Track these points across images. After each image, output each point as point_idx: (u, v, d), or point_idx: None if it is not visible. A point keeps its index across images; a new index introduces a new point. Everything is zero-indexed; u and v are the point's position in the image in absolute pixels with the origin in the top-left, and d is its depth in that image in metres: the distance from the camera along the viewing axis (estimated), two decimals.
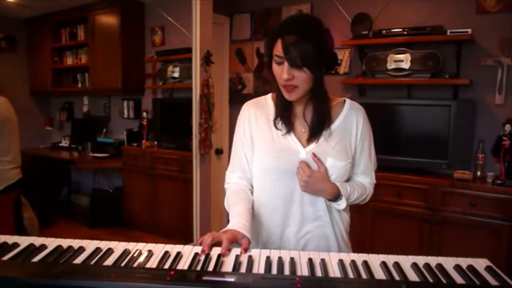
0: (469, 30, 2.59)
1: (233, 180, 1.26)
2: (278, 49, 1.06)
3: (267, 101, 1.25)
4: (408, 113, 2.84)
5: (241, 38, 3.86)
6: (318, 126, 1.15)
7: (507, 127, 2.47)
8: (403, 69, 2.79)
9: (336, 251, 1.18)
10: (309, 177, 1.11)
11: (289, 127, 1.17)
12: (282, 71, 1.06)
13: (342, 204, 1.15)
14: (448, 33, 2.66)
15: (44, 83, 5.06)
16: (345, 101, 1.22)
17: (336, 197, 1.15)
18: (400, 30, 2.83)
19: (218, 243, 0.99)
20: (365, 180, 1.25)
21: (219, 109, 3.54)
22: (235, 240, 1.01)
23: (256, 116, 1.23)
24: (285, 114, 1.18)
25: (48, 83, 5.03)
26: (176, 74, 3.89)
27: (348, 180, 1.21)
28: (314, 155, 1.14)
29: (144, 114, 4.23)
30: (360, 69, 3.12)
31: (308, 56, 1.02)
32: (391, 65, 2.83)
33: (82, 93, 5.08)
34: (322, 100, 1.16)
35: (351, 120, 1.19)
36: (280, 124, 1.18)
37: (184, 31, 3.79)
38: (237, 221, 1.08)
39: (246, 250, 0.98)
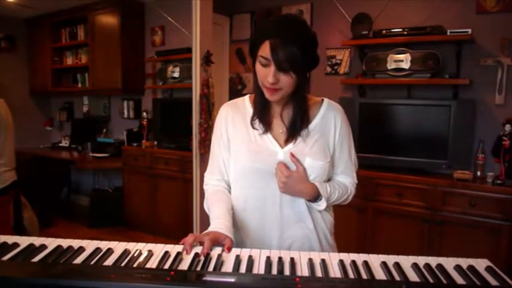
0: (469, 30, 2.60)
1: (212, 182, 1.26)
2: (265, 51, 1.03)
3: (245, 102, 1.24)
4: (408, 113, 2.84)
5: (241, 38, 3.86)
6: (296, 126, 1.14)
7: (507, 127, 2.47)
8: (403, 69, 2.79)
9: None
10: (287, 177, 1.10)
11: (267, 127, 1.16)
12: (267, 74, 1.04)
13: (322, 204, 1.14)
14: (448, 33, 2.66)
15: (44, 83, 5.06)
16: (322, 100, 1.21)
17: (315, 197, 1.13)
18: (400, 30, 2.83)
19: (200, 244, 0.99)
20: (346, 180, 1.23)
21: (219, 109, 3.54)
22: (217, 241, 1.00)
23: (233, 118, 1.21)
24: (263, 114, 1.16)
25: (48, 83, 5.03)
26: (176, 74, 3.89)
27: (328, 181, 1.20)
28: (292, 154, 1.12)
29: (144, 114, 4.23)
30: (360, 69, 3.12)
31: (295, 60, 1.01)
32: (391, 65, 2.83)
33: (82, 93, 5.08)
34: (301, 100, 1.14)
35: (328, 120, 1.18)
36: (257, 124, 1.17)
37: (184, 31, 3.80)
38: (218, 222, 1.07)
39: (229, 250, 0.97)
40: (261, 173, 1.15)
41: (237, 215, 1.19)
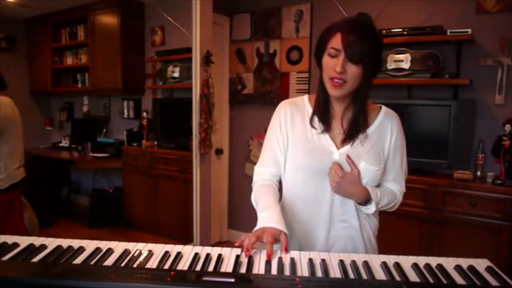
0: (469, 30, 2.59)
1: (262, 176, 1.27)
2: (336, 42, 1.07)
3: (304, 102, 1.26)
4: (408, 113, 2.84)
5: (241, 38, 3.85)
6: (355, 129, 1.16)
7: (507, 127, 2.47)
8: (403, 69, 2.79)
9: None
10: (341, 178, 1.12)
11: (326, 126, 1.18)
12: (335, 64, 1.07)
13: (371, 208, 1.16)
14: (448, 33, 2.66)
15: (44, 83, 5.06)
16: (381, 107, 1.24)
17: (365, 201, 1.15)
18: (400, 30, 2.83)
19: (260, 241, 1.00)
20: (394, 187, 1.25)
21: (219, 109, 3.54)
22: (275, 239, 1.01)
23: (292, 115, 1.24)
24: (323, 113, 1.18)
25: (48, 83, 5.03)
26: (176, 74, 3.89)
27: (377, 187, 1.21)
28: (348, 157, 1.14)
29: (144, 114, 4.24)
30: None
31: (365, 52, 1.04)
32: (391, 65, 2.83)
33: (82, 93, 5.08)
34: (362, 104, 1.16)
35: (385, 127, 1.21)
36: (317, 123, 1.19)
37: (184, 31, 3.79)
38: (268, 214, 1.08)
39: (286, 250, 0.98)
40: (314, 172, 1.17)
41: (287, 209, 1.20)
